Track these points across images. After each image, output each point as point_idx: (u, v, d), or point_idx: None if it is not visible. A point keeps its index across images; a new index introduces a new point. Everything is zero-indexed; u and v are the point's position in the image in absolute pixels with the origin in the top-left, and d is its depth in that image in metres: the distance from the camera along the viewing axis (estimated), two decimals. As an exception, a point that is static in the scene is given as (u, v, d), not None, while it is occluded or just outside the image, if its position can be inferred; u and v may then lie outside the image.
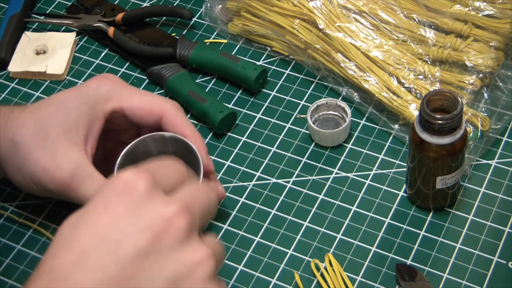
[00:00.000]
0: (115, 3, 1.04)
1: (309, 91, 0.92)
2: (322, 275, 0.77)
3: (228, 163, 0.87)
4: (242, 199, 0.83)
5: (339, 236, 0.80)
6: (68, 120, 0.75)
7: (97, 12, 1.01)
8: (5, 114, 0.77)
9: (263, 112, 0.91)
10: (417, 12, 0.91)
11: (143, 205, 0.54)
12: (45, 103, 0.78)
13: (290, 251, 0.79)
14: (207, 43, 0.98)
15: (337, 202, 0.82)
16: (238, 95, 0.93)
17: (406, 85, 0.86)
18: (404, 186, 0.83)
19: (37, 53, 0.98)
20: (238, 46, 0.97)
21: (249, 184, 0.85)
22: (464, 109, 0.81)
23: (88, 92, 0.77)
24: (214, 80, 0.95)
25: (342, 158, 0.86)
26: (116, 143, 0.81)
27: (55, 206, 0.84)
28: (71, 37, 0.99)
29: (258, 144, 0.88)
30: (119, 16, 0.99)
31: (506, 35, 0.89)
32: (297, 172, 0.85)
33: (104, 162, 0.79)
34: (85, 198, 0.74)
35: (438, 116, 0.71)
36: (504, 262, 0.77)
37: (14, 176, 0.77)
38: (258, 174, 0.85)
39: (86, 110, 0.76)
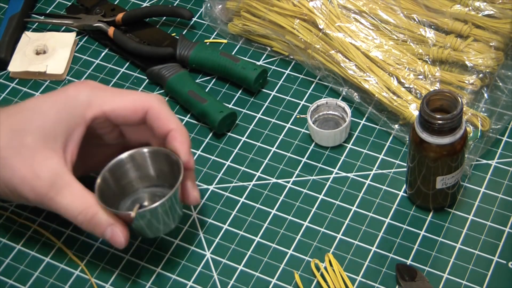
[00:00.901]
0: (115, 3, 1.04)
1: (309, 91, 0.92)
2: (322, 275, 0.77)
3: (228, 163, 0.87)
4: (242, 199, 0.83)
5: (339, 236, 0.80)
6: (46, 126, 0.74)
7: (97, 12, 1.01)
8: None
9: (263, 112, 0.91)
10: (417, 12, 0.91)
11: None
12: (20, 107, 0.76)
13: (290, 251, 0.79)
14: (207, 43, 0.98)
15: (337, 202, 0.82)
16: (238, 95, 0.93)
17: (406, 85, 0.86)
18: (404, 186, 0.83)
19: (37, 53, 0.98)
20: (238, 46, 0.98)
21: (249, 184, 0.85)
22: (464, 109, 0.81)
23: (67, 98, 0.75)
24: (214, 80, 0.95)
25: (342, 158, 0.86)
26: (98, 148, 0.80)
27: (55, 206, 0.84)
28: (71, 37, 0.99)
29: (258, 144, 0.88)
30: (119, 16, 0.99)
31: (506, 35, 0.89)
32: (297, 172, 0.85)
33: (83, 166, 0.78)
34: (63, 208, 0.73)
35: (438, 116, 0.71)
36: (504, 262, 0.77)
37: None
38: (258, 174, 0.85)
39: (65, 117, 0.74)
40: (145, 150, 0.78)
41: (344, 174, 0.85)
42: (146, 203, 0.78)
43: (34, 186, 0.73)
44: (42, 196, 0.73)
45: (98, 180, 0.75)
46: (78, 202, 0.73)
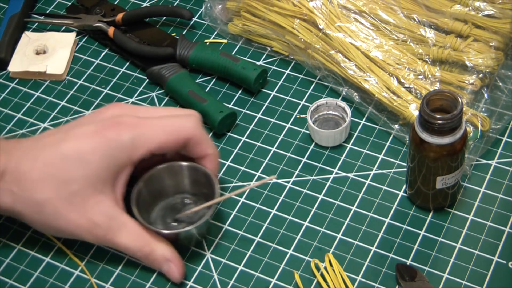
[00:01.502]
0: (115, 3, 1.04)
1: (309, 91, 0.92)
2: (322, 275, 0.77)
3: (228, 163, 0.87)
4: (242, 199, 0.83)
5: (339, 236, 0.80)
6: (91, 174, 0.74)
7: (97, 12, 1.01)
8: (11, 171, 0.74)
9: (263, 112, 0.91)
10: (417, 12, 0.91)
11: None
12: (59, 154, 0.75)
13: (290, 251, 0.79)
14: (207, 43, 0.98)
15: (337, 202, 0.82)
16: (238, 95, 0.93)
17: (406, 85, 0.86)
18: (404, 186, 0.83)
19: (37, 53, 0.98)
20: (238, 46, 0.98)
21: (249, 184, 0.85)
22: (464, 109, 0.81)
23: (109, 144, 0.75)
24: (214, 80, 0.95)
25: (342, 158, 0.86)
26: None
27: (55, 206, 0.84)
28: (71, 37, 0.99)
29: (258, 144, 0.88)
30: (119, 16, 0.99)
31: (506, 35, 0.89)
32: (297, 172, 0.85)
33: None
34: (122, 247, 0.76)
35: (438, 116, 0.71)
36: (504, 262, 0.77)
37: (41, 230, 0.78)
38: (258, 174, 0.85)
39: (111, 162, 0.75)
40: (184, 163, 0.80)
41: (344, 174, 0.85)
42: (180, 214, 0.81)
43: (92, 232, 0.75)
44: (101, 239, 0.76)
45: (136, 187, 0.79)
46: (135, 241, 0.76)
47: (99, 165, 0.74)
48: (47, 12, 1.04)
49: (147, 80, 0.95)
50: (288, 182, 0.85)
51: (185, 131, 0.77)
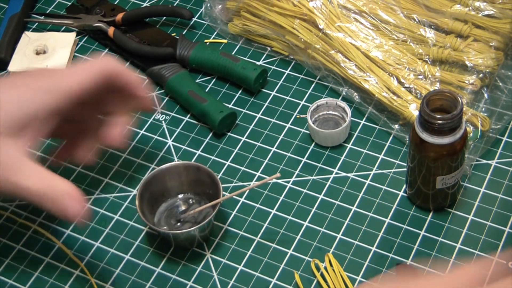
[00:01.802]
0: (115, 3, 1.04)
1: (309, 91, 0.92)
2: (322, 275, 0.77)
3: (228, 163, 0.87)
4: (242, 199, 0.83)
5: (339, 236, 0.80)
6: (6, 117, 0.72)
7: (97, 12, 1.01)
8: None
9: (263, 112, 0.91)
10: (417, 12, 0.91)
11: None
12: None
13: (290, 251, 0.79)
14: (207, 43, 0.98)
15: (337, 202, 0.82)
16: (238, 95, 0.93)
17: (406, 85, 0.87)
18: (404, 186, 0.83)
19: (37, 53, 0.98)
20: (238, 46, 0.98)
21: (249, 184, 0.85)
22: (464, 109, 0.81)
23: (25, 90, 0.73)
24: (214, 80, 0.95)
25: (342, 158, 0.86)
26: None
27: (55, 206, 0.84)
28: (71, 37, 0.99)
29: (258, 144, 0.88)
30: (119, 16, 0.99)
31: (506, 35, 0.89)
32: (297, 172, 0.85)
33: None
34: (24, 188, 0.71)
35: (438, 116, 0.71)
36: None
37: None
38: (258, 174, 0.85)
39: (24, 107, 0.73)
40: (187, 163, 0.82)
41: (344, 174, 0.85)
42: (182, 215, 0.81)
43: None
44: (3, 182, 0.71)
45: (139, 187, 0.79)
46: (37, 182, 0.71)
47: (12, 109, 0.72)
48: (47, 12, 1.04)
49: (147, 80, 0.95)
50: (288, 182, 0.85)
51: (103, 66, 0.77)
